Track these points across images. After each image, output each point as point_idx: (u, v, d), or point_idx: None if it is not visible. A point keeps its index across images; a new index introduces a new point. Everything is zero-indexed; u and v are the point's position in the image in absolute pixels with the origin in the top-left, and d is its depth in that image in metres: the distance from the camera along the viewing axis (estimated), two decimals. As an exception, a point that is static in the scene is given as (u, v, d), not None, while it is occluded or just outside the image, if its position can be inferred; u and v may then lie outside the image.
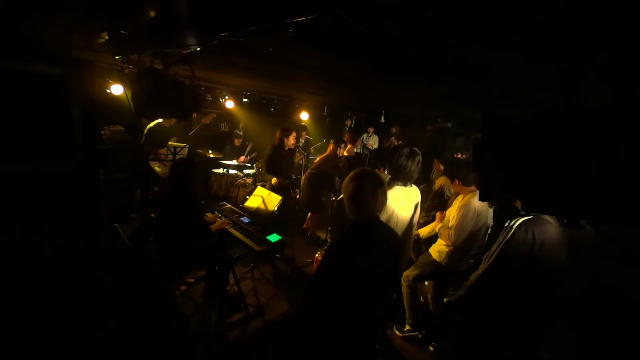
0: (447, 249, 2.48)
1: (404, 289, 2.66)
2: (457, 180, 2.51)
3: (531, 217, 1.75)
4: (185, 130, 4.99)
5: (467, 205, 2.37)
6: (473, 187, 2.46)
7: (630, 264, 2.14)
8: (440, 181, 3.53)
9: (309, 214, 4.66)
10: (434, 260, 2.54)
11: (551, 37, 1.46)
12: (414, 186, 2.26)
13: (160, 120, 4.30)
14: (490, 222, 2.49)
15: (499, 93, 3.30)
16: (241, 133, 6.26)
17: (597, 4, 0.92)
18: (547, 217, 1.75)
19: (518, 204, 1.97)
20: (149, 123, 4.32)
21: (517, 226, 1.75)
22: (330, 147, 4.51)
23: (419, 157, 2.15)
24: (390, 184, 2.16)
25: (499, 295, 1.86)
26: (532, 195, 0.82)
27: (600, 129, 0.69)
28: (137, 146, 4.31)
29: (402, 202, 2.14)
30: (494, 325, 1.90)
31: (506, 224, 1.82)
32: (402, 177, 2.14)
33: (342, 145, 4.56)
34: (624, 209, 0.67)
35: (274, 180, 3.87)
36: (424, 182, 3.89)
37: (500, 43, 1.54)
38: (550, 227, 1.72)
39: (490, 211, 2.48)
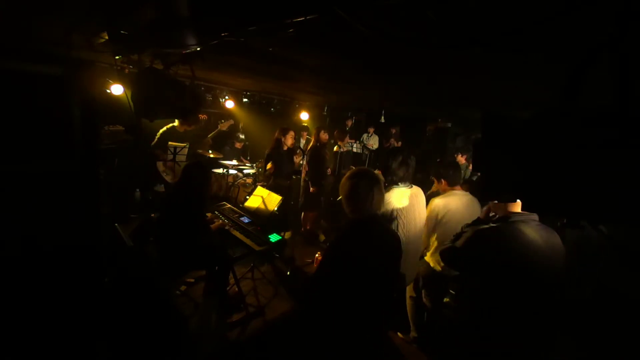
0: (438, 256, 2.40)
1: (407, 301, 2.63)
2: (443, 180, 2.48)
3: (487, 227, 1.55)
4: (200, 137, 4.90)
5: (431, 203, 2.36)
6: (457, 188, 2.44)
7: (631, 265, 2.13)
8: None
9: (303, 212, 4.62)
10: (432, 269, 2.45)
11: (551, 37, 1.46)
12: (415, 187, 2.24)
13: (175, 124, 4.22)
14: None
15: (499, 93, 3.30)
16: (243, 137, 6.24)
17: (597, 4, 0.92)
18: (523, 226, 1.48)
19: (518, 204, 1.94)
20: (162, 127, 4.17)
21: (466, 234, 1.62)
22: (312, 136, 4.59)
23: (402, 157, 2.15)
24: (388, 186, 2.17)
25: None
26: (532, 195, 0.82)
27: (600, 128, 0.69)
28: (137, 146, 4.29)
29: (403, 201, 2.13)
30: (490, 329, 1.86)
31: (461, 228, 1.72)
32: (388, 178, 2.17)
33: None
34: (624, 209, 0.67)
35: (268, 165, 3.87)
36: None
37: (500, 43, 1.55)
38: (522, 235, 1.46)
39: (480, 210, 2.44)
